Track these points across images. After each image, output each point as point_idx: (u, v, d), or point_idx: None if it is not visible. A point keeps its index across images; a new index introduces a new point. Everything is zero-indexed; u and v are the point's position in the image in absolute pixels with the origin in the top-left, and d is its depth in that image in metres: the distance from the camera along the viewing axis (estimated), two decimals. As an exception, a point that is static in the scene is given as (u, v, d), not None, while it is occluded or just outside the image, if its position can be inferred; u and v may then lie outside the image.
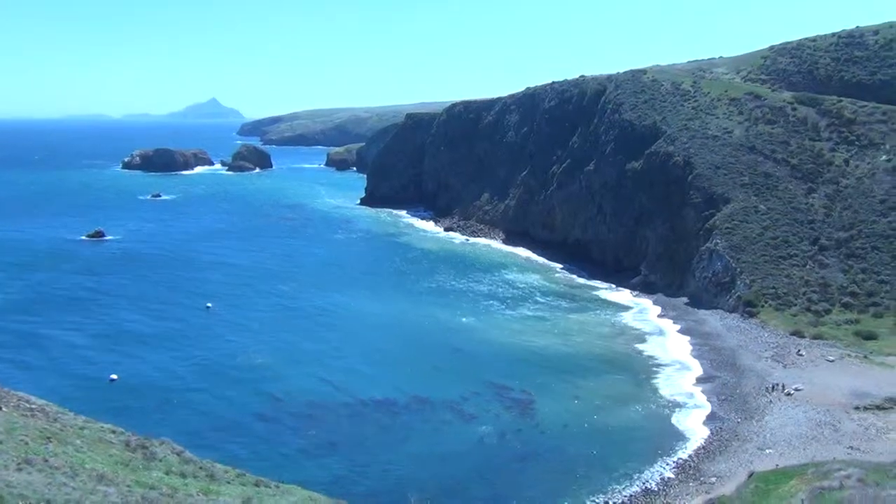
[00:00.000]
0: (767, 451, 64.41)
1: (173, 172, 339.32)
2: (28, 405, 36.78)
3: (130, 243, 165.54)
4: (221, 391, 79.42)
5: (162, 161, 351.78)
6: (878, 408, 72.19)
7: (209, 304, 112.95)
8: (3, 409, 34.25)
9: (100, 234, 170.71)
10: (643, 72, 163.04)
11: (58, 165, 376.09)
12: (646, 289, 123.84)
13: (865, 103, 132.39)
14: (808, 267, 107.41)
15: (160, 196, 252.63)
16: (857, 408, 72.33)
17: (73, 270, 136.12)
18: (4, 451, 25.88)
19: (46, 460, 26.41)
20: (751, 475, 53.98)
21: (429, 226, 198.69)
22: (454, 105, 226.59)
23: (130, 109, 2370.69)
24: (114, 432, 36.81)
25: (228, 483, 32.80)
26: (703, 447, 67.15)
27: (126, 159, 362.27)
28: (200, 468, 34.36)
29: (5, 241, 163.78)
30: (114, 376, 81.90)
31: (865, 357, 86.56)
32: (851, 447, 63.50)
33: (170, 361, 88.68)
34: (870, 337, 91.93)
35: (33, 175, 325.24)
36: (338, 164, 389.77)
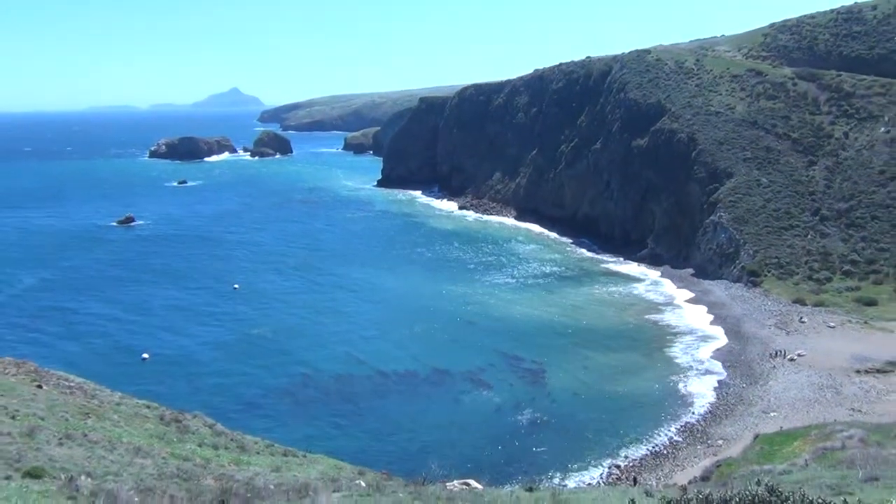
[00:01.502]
0: (772, 414, 64.38)
1: (198, 160, 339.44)
2: (67, 383, 37.22)
3: (159, 228, 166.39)
4: (250, 367, 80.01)
5: (187, 149, 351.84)
6: (879, 371, 72.03)
7: (236, 286, 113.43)
8: (44, 387, 34.66)
9: (130, 220, 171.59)
10: (647, 52, 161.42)
11: (88, 155, 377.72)
12: (653, 261, 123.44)
13: (864, 77, 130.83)
14: (809, 237, 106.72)
15: (186, 182, 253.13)
16: (858, 371, 72.16)
17: (105, 255, 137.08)
18: (46, 426, 26.22)
19: (86, 435, 26.75)
20: (756, 437, 54.01)
21: (443, 205, 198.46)
22: (465, 88, 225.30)
23: (156, 100, 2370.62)
24: (148, 407, 37.21)
25: (258, 454, 33.11)
26: (710, 411, 67.26)
27: (153, 148, 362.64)
28: (231, 440, 34.70)
29: (41, 227, 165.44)
30: (145, 355, 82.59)
31: (866, 322, 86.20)
32: (853, 409, 63.36)
33: (200, 340, 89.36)
34: (870, 303, 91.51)
35: (65, 165, 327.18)
36: (355, 148, 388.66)
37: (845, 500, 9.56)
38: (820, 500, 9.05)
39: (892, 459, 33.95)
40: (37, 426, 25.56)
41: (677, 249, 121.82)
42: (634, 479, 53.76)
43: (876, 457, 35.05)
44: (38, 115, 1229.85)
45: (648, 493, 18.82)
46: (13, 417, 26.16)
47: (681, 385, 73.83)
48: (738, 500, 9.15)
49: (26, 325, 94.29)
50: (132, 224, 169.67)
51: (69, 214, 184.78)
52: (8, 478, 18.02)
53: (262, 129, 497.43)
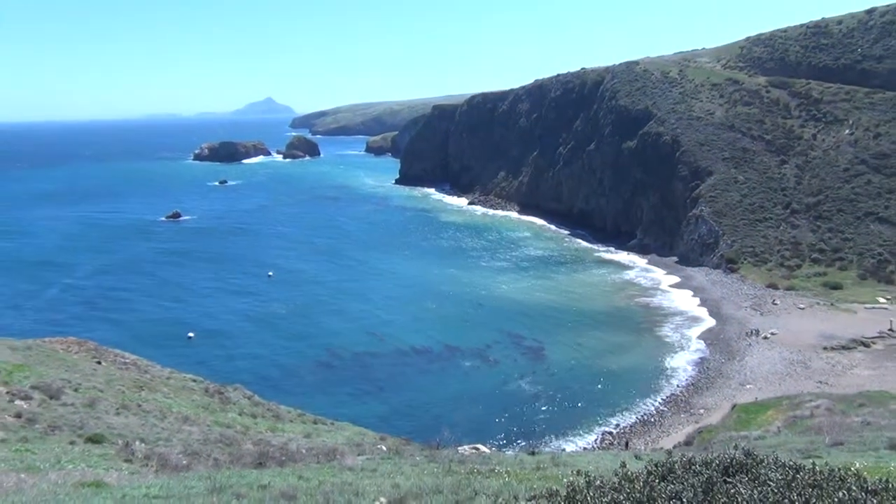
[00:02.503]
0: (748, 386, 64.17)
1: (237, 162, 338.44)
2: (123, 360, 37.49)
3: (203, 222, 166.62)
4: (283, 345, 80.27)
5: (227, 152, 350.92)
6: (844, 348, 71.71)
7: (270, 273, 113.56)
8: (103, 363, 34.93)
9: (177, 215, 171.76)
10: (636, 63, 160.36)
11: (140, 158, 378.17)
12: (641, 250, 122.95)
13: (831, 84, 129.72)
14: (781, 228, 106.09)
15: (226, 182, 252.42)
16: (825, 348, 71.83)
17: (155, 246, 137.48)
18: (105, 398, 26.43)
19: (140, 405, 26.95)
20: (734, 407, 53.82)
21: (454, 200, 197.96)
22: (474, 97, 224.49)
23: (200, 109, 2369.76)
24: (194, 381, 37.46)
25: (291, 422, 33.30)
26: (693, 384, 67.05)
27: (196, 151, 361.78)
28: (268, 409, 34.92)
29: (99, 220, 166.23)
30: (191, 334, 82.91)
31: (832, 304, 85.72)
32: (820, 382, 63.11)
33: (239, 321, 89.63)
34: (836, 287, 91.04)
35: (120, 166, 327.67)
36: (375, 150, 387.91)
37: (814, 462, 9.49)
38: (791, 463, 9.00)
39: (855, 427, 33.79)
40: (97, 398, 25.77)
41: (663, 240, 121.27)
42: (626, 443, 53.78)
43: (841, 424, 34.88)
44: (98, 123, 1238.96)
45: (638, 457, 18.80)
46: (76, 390, 26.37)
47: (667, 360, 73.62)
48: (717, 462, 9.10)
49: (88, 306, 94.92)
50: (179, 219, 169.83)
51: (122, 210, 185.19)
52: (72, 443, 18.18)
53: (293, 133, 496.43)
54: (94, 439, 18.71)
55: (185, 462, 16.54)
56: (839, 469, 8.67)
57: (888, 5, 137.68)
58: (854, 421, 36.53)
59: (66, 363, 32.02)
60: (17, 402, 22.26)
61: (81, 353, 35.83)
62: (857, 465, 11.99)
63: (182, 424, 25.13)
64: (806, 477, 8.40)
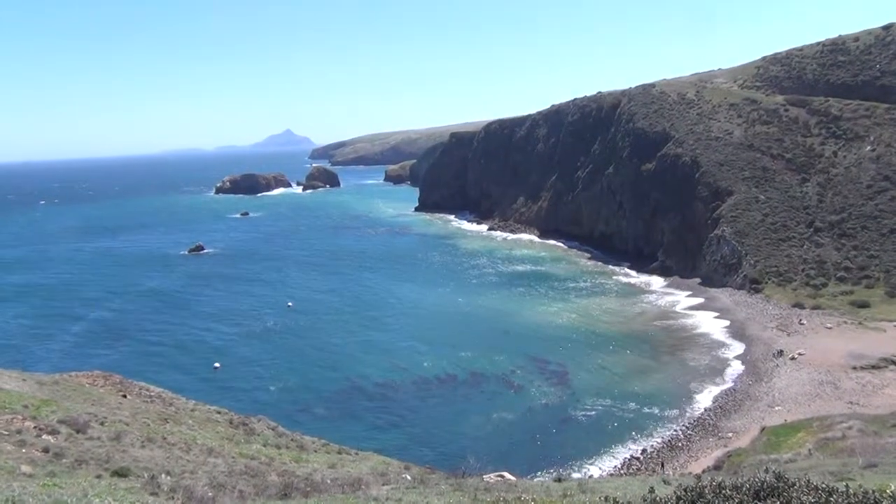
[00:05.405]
0: (776, 408, 63.11)
1: (258, 194, 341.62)
2: (148, 393, 37.67)
3: (226, 255, 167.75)
4: (307, 375, 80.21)
5: (248, 184, 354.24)
6: (874, 367, 70.42)
7: (290, 303, 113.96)
8: (128, 396, 35.12)
9: (200, 248, 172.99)
10: (652, 85, 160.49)
11: (164, 192, 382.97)
12: (664, 272, 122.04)
13: (850, 101, 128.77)
14: (805, 247, 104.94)
15: (248, 214, 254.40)
16: (854, 368, 70.59)
17: (179, 279, 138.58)
18: (130, 431, 26.51)
19: (165, 438, 26.99)
20: (763, 430, 53.02)
21: (474, 227, 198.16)
22: (490, 123, 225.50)
23: (220, 142, 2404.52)
24: (219, 413, 37.51)
25: (315, 452, 33.19)
26: (720, 407, 66.07)
27: (218, 185, 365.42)
28: (292, 440, 34.85)
29: (123, 253, 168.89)
30: (217, 365, 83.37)
31: (860, 323, 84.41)
32: (851, 402, 61.96)
33: (262, 352, 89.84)
34: (863, 305, 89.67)
35: (145, 201, 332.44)
36: (394, 179, 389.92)
37: (847, 485, 9.29)
38: (824, 486, 8.81)
39: (889, 448, 33.07)
40: (122, 431, 25.86)
41: (685, 261, 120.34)
42: (662, 464, 53.09)
43: (874, 445, 34.17)
44: (124, 158, 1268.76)
45: (666, 482, 18.49)
46: (102, 424, 26.49)
47: (692, 383, 72.65)
48: (748, 486, 8.94)
49: (114, 338, 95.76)
50: (202, 252, 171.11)
51: (146, 243, 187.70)
52: (98, 477, 18.22)
53: (313, 164, 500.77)
54: (120, 473, 18.76)
55: (210, 494, 16.50)
56: (874, 491, 8.47)
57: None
58: (888, 442, 35.79)
59: (93, 397, 32.23)
60: (45, 436, 22.40)
61: (107, 386, 36.07)
62: (893, 487, 11.69)
63: (207, 456, 25.13)
64: (839, 500, 8.22)
